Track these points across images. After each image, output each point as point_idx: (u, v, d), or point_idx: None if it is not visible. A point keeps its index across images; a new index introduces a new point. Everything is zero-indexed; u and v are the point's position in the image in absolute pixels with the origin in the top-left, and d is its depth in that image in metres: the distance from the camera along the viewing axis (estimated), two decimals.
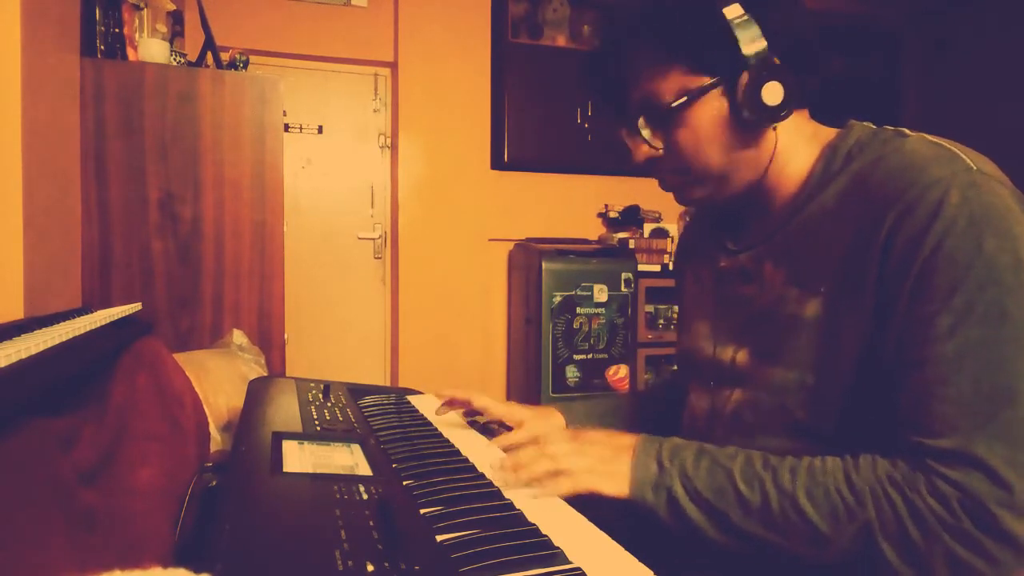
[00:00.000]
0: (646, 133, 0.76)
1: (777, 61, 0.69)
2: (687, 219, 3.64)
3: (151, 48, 1.84)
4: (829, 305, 0.69)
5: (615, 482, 0.72)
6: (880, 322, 0.65)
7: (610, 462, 0.73)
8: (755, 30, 0.68)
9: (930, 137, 0.69)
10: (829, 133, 0.76)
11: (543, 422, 0.96)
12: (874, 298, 0.66)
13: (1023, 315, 0.60)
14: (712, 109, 0.72)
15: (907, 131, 0.71)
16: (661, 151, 0.76)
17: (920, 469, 0.62)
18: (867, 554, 0.62)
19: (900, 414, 0.64)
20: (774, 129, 0.73)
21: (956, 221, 0.61)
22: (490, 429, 0.98)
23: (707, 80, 0.71)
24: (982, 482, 0.59)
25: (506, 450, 0.80)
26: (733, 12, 0.68)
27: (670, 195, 0.82)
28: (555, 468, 0.72)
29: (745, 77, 0.69)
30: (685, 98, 0.71)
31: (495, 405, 0.96)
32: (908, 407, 0.63)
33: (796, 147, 0.75)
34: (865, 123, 0.74)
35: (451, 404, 1.00)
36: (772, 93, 0.68)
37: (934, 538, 0.60)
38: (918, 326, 0.62)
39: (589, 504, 0.69)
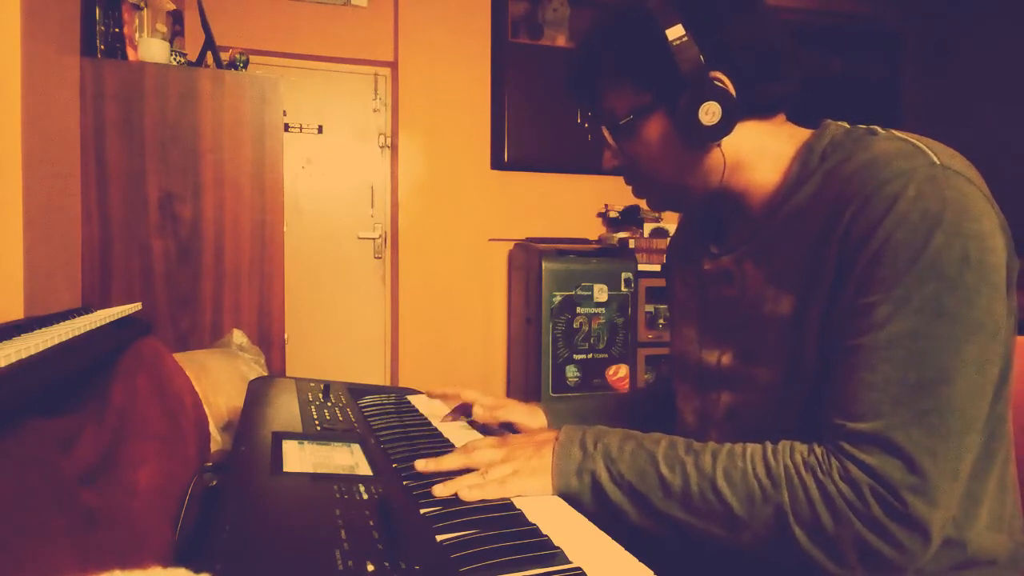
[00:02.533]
0: (611, 144, 0.80)
1: (722, 78, 0.71)
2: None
3: (151, 48, 1.84)
4: (800, 303, 0.70)
5: (539, 479, 0.71)
6: (830, 312, 0.67)
7: (532, 458, 0.73)
8: (694, 50, 0.70)
9: (899, 133, 0.70)
10: (805, 135, 0.77)
11: (526, 413, 0.99)
12: (829, 291, 0.67)
13: (961, 312, 0.60)
14: (658, 126, 0.75)
15: (878, 129, 0.72)
16: (621, 162, 0.80)
17: (835, 453, 0.63)
18: (780, 538, 0.63)
19: (827, 397, 0.65)
20: (718, 145, 0.74)
21: (909, 215, 0.61)
22: (491, 429, 0.98)
23: (650, 98, 0.74)
24: (896, 468, 0.60)
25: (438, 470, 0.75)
26: (675, 33, 0.70)
27: None
28: (489, 479, 0.70)
29: (684, 97, 0.71)
30: (631, 116, 0.75)
31: (483, 396, 0.99)
32: (835, 390, 0.65)
33: (766, 151, 0.76)
34: (840, 123, 0.75)
35: (455, 412, 1.01)
36: (708, 113, 0.70)
37: (844, 523, 0.61)
38: (858, 315, 0.63)
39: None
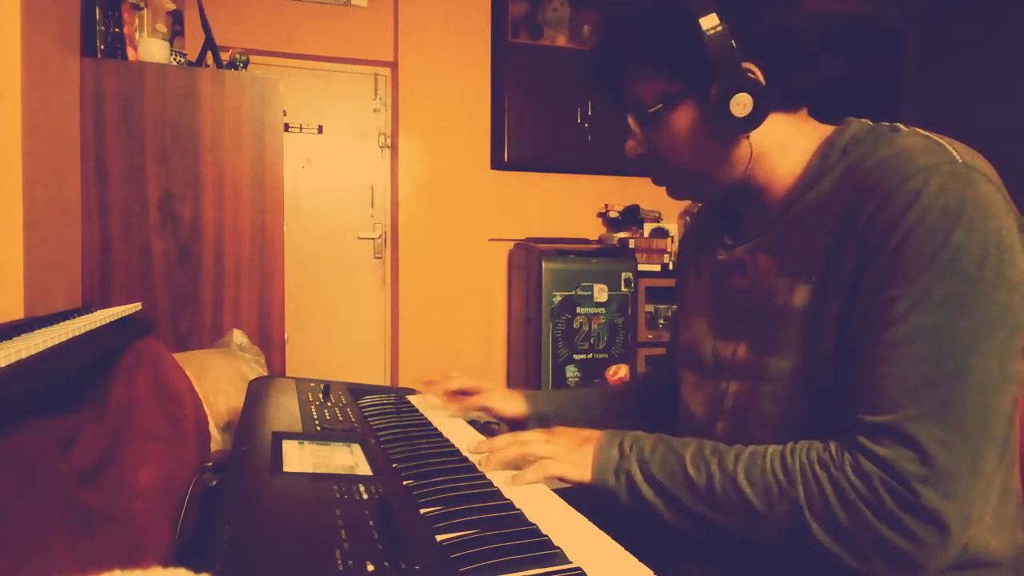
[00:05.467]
0: (635, 132, 0.80)
1: (753, 69, 0.71)
2: (687, 218, 3.65)
3: (151, 48, 1.84)
4: (817, 294, 0.70)
5: (579, 468, 0.76)
6: (851, 306, 0.67)
7: (575, 450, 0.77)
8: (727, 40, 0.70)
9: (923, 131, 0.70)
10: (827, 130, 0.77)
11: (504, 397, 1.04)
12: (850, 283, 0.67)
13: (979, 307, 0.61)
14: (687, 115, 0.75)
15: (901, 126, 0.72)
16: (644, 150, 0.80)
17: (849, 448, 0.64)
18: (798, 533, 0.64)
19: (847, 391, 0.66)
20: (746, 136, 0.74)
21: (930, 210, 0.62)
22: (490, 429, 0.98)
23: (681, 87, 0.74)
24: (909, 460, 0.60)
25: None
26: (709, 22, 0.69)
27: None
28: (523, 452, 0.77)
29: (715, 87, 0.71)
30: (661, 105, 0.75)
31: (471, 381, 1.05)
32: (853, 384, 0.65)
33: (790, 144, 0.76)
34: (863, 120, 0.75)
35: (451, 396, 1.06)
36: (740, 104, 0.70)
37: (858, 517, 0.61)
38: (878, 309, 0.64)
39: (588, 504, 0.70)
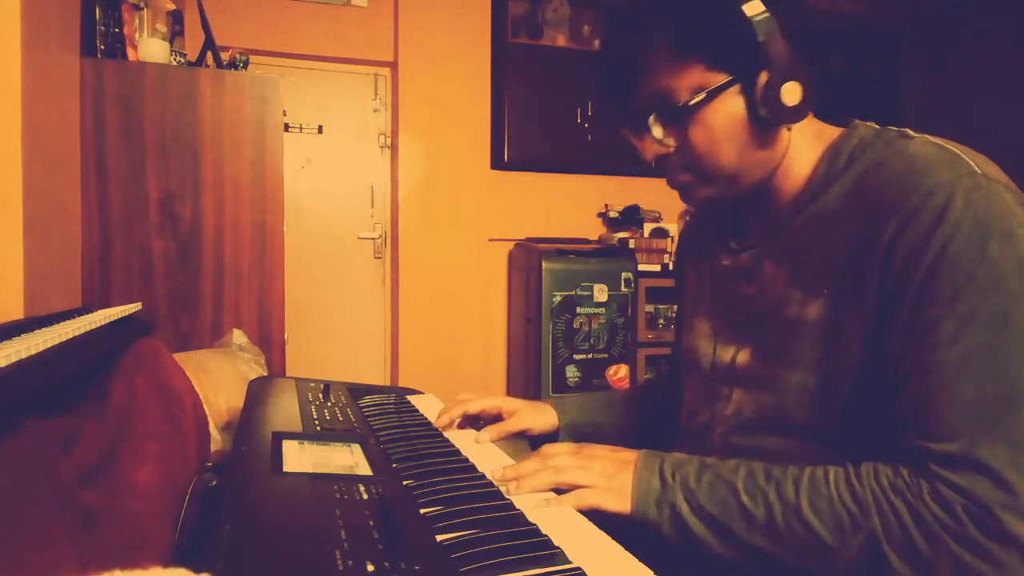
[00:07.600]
0: (657, 131, 0.73)
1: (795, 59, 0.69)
2: (687, 218, 3.65)
3: (151, 48, 1.84)
4: (832, 308, 0.69)
5: (617, 498, 0.71)
6: (883, 326, 0.65)
7: (613, 477, 0.72)
8: (775, 27, 0.67)
9: (933, 139, 0.68)
10: (833, 132, 0.75)
11: (536, 414, 0.97)
12: (876, 302, 0.65)
13: None
14: (729, 107, 0.70)
15: (911, 132, 0.70)
16: (672, 149, 0.74)
17: (923, 475, 0.61)
18: (874, 563, 0.62)
19: (903, 419, 0.64)
20: (789, 129, 0.73)
21: (960, 225, 0.61)
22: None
23: (725, 77, 0.69)
24: (987, 486, 0.58)
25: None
26: (753, 9, 0.67)
27: (670, 195, 0.81)
28: (558, 480, 0.72)
29: (764, 76, 0.68)
30: (703, 96, 0.69)
31: (481, 400, 0.97)
32: (911, 412, 0.63)
33: (802, 146, 0.75)
34: (868, 123, 0.74)
35: (461, 424, 0.98)
36: (791, 93, 0.68)
37: (939, 544, 0.59)
38: (922, 331, 0.62)
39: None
